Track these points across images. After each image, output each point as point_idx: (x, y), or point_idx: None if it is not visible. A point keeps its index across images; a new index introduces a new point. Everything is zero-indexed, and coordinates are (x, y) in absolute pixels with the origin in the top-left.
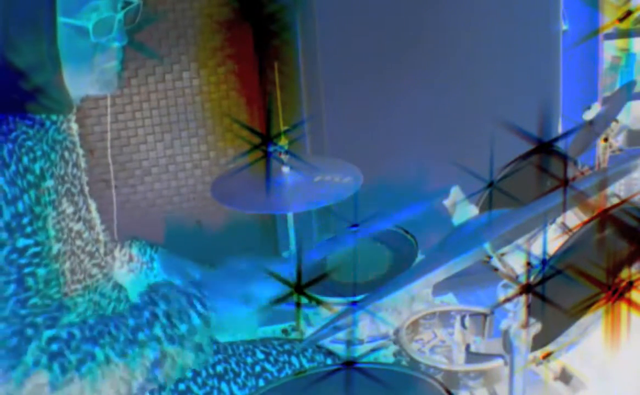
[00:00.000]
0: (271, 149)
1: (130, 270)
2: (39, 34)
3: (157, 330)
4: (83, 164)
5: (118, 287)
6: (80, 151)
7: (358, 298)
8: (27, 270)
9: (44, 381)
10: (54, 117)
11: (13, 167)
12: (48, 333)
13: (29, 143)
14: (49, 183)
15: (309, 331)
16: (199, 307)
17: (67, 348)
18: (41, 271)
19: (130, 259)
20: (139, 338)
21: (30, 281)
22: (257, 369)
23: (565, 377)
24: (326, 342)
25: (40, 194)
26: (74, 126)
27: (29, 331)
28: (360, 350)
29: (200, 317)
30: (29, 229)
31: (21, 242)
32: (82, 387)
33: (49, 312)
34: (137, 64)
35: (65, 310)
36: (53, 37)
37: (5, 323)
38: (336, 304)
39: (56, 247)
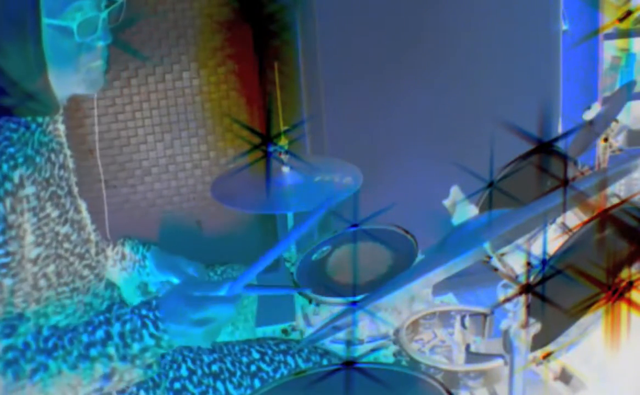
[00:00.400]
0: (271, 149)
1: (123, 268)
2: (23, 36)
3: (110, 349)
4: (71, 165)
5: (111, 286)
6: (68, 152)
7: (358, 298)
8: None
9: None
10: (39, 119)
11: None
12: (5, 342)
13: (11, 150)
14: (29, 190)
15: (308, 331)
16: (151, 328)
17: (22, 357)
18: (7, 281)
19: (123, 257)
20: (91, 354)
21: None
22: (253, 368)
23: (565, 377)
24: (326, 342)
25: (16, 202)
26: (61, 127)
27: None
28: (360, 350)
29: (152, 338)
30: (0, 239)
31: None
32: (32, 393)
33: (9, 320)
34: (137, 64)
35: (25, 320)
36: (38, 39)
37: None
38: (336, 304)
39: (36, 251)
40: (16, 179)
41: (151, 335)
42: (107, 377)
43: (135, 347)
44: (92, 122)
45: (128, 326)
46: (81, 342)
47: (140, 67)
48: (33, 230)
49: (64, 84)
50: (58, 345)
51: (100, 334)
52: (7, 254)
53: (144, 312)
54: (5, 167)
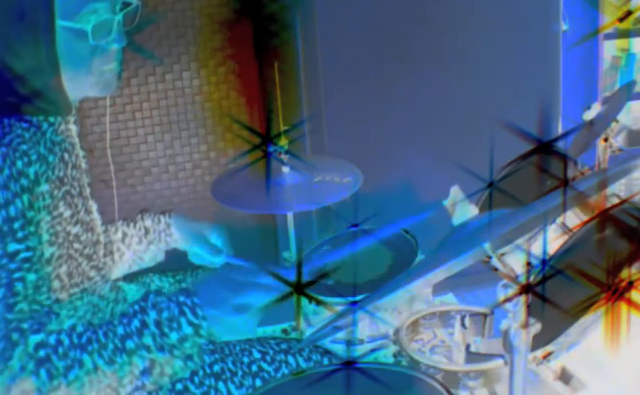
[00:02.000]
0: (271, 149)
1: (149, 242)
2: (37, 38)
3: (147, 339)
4: (84, 165)
5: (116, 288)
6: (81, 153)
7: (358, 298)
8: (16, 275)
9: (30, 387)
10: (51, 119)
11: (7, 171)
12: (35, 338)
13: (24, 147)
14: (44, 187)
15: (308, 331)
16: (190, 315)
17: (54, 354)
18: (31, 276)
19: (147, 232)
20: (127, 346)
21: (19, 286)
22: (254, 368)
23: (565, 377)
24: (326, 342)
25: (33, 198)
26: (73, 128)
27: (15, 335)
28: (360, 350)
29: (191, 326)
30: (20, 234)
31: (12, 247)
32: (69, 394)
33: (36, 317)
34: (137, 64)
35: (55, 316)
36: (51, 41)
37: None
38: (336, 304)
39: (49, 251)
40: (32, 175)
41: (189, 323)
42: (147, 371)
43: (173, 337)
44: (93, 122)
45: (165, 314)
46: (116, 334)
47: (140, 67)
48: (47, 228)
49: (77, 86)
50: (92, 339)
51: (135, 323)
52: (28, 248)
53: (181, 298)
54: (19, 163)
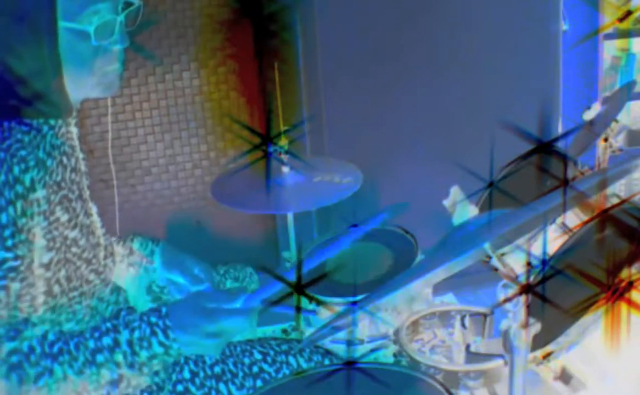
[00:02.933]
0: (271, 149)
1: (129, 264)
2: (39, 39)
3: (118, 357)
4: (83, 168)
5: (117, 290)
6: (81, 155)
7: (358, 298)
8: (1, 283)
9: (1, 390)
10: (52, 122)
11: (2, 177)
12: (10, 345)
13: (23, 153)
14: (40, 194)
15: (308, 331)
16: (161, 336)
17: (26, 361)
18: (15, 285)
19: (131, 253)
20: (97, 360)
21: (1, 294)
22: (255, 369)
23: (565, 377)
24: (326, 342)
25: (27, 205)
26: (74, 130)
27: None
28: (360, 350)
29: (161, 346)
30: (9, 242)
31: (0, 255)
32: None
33: (13, 324)
34: (137, 64)
35: (31, 325)
36: (54, 42)
37: None
38: (336, 304)
39: (48, 256)
40: (27, 182)
41: (160, 344)
42: (114, 383)
43: (144, 355)
44: (93, 122)
45: (137, 334)
46: (87, 347)
47: (140, 67)
48: (44, 234)
49: (78, 87)
50: (64, 350)
51: (107, 340)
52: (16, 257)
53: (153, 319)
54: (16, 169)
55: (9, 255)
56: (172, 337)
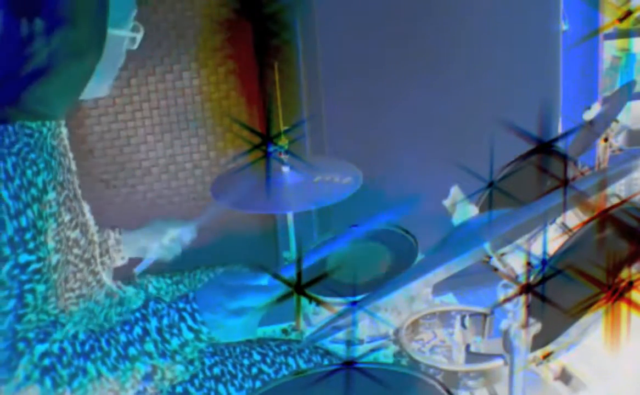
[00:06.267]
0: (271, 149)
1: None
2: (90, 46)
3: (149, 346)
4: (74, 168)
5: (110, 294)
6: (71, 155)
7: (358, 298)
8: (27, 286)
9: None
10: (48, 124)
11: (17, 181)
12: (40, 348)
13: (32, 156)
14: (51, 196)
15: (308, 331)
16: (190, 321)
17: (59, 363)
18: (41, 287)
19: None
20: (130, 353)
21: (29, 297)
22: (254, 370)
23: (565, 377)
24: (326, 342)
25: (42, 207)
26: (64, 130)
27: (21, 345)
28: (360, 350)
29: (191, 331)
30: (31, 245)
31: (23, 258)
32: None
33: (42, 327)
34: (137, 64)
35: (60, 326)
36: (102, 49)
37: (2, 337)
38: (336, 304)
39: (55, 258)
40: (40, 185)
41: (189, 329)
42: (148, 376)
43: (175, 342)
44: (93, 122)
45: (165, 321)
46: (119, 341)
47: (140, 67)
48: (53, 236)
49: (94, 90)
50: (95, 347)
51: (137, 331)
52: (39, 259)
53: (181, 305)
54: (29, 173)
55: (32, 257)
56: (199, 320)
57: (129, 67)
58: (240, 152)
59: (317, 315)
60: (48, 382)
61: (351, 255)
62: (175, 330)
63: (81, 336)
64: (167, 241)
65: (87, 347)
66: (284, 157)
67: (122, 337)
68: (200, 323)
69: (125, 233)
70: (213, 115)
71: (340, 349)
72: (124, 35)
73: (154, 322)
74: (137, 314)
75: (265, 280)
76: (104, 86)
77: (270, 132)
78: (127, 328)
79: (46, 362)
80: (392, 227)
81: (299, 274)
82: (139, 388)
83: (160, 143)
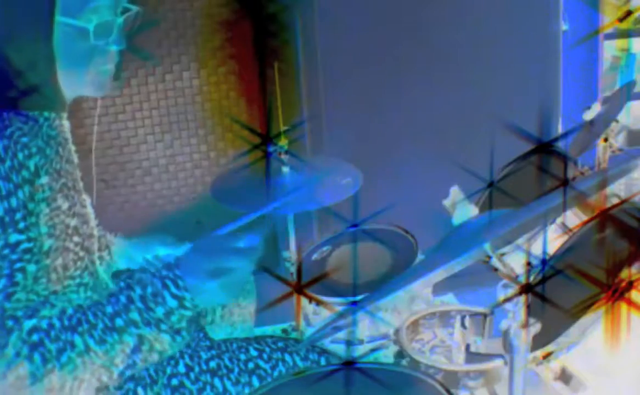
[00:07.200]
0: (271, 149)
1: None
2: (35, 31)
3: (134, 315)
4: (76, 160)
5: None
6: (73, 147)
7: (358, 298)
8: (17, 265)
9: (25, 373)
10: (46, 114)
11: (8, 163)
12: (29, 323)
13: (25, 139)
14: (43, 180)
15: (308, 331)
16: (173, 288)
17: (47, 338)
18: (31, 268)
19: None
20: (116, 325)
21: (19, 276)
22: (251, 365)
23: (565, 377)
24: (326, 342)
25: (34, 190)
26: (66, 123)
27: (10, 323)
28: (360, 350)
29: (175, 299)
30: (22, 225)
31: (14, 238)
32: (63, 377)
33: (31, 306)
34: (137, 64)
35: (49, 306)
36: (49, 36)
37: None
38: (336, 304)
39: (48, 243)
40: (32, 167)
41: (173, 296)
42: (136, 348)
43: (159, 311)
44: (93, 122)
45: (149, 289)
46: (105, 313)
47: (140, 67)
48: (45, 221)
49: (72, 84)
50: (82, 320)
51: (122, 299)
52: (29, 239)
53: (164, 272)
54: (20, 155)
55: (22, 237)
56: (182, 286)
57: (129, 67)
58: (240, 152)
59: (317, 315)
60: (37, 357)
61: (351, 255)
62: (159, 299)
63: (69, 311)
64: None
65: (74, 321)
66: (284, 157)
67: (109, 309)
68: (182, 289)
69: (118, 239)
70: (213, 115)
71: (340, 349)
72: (79, 26)
73: (137, 291)
74: (122, 284)
75: (242, 242)
76: (103, 84)
77: (270, 132)
78: (112, 299)
79: (35, 337)
80: (392, 227)
81: (299, 274)
82: (129, 362)
83: (160, 143)
